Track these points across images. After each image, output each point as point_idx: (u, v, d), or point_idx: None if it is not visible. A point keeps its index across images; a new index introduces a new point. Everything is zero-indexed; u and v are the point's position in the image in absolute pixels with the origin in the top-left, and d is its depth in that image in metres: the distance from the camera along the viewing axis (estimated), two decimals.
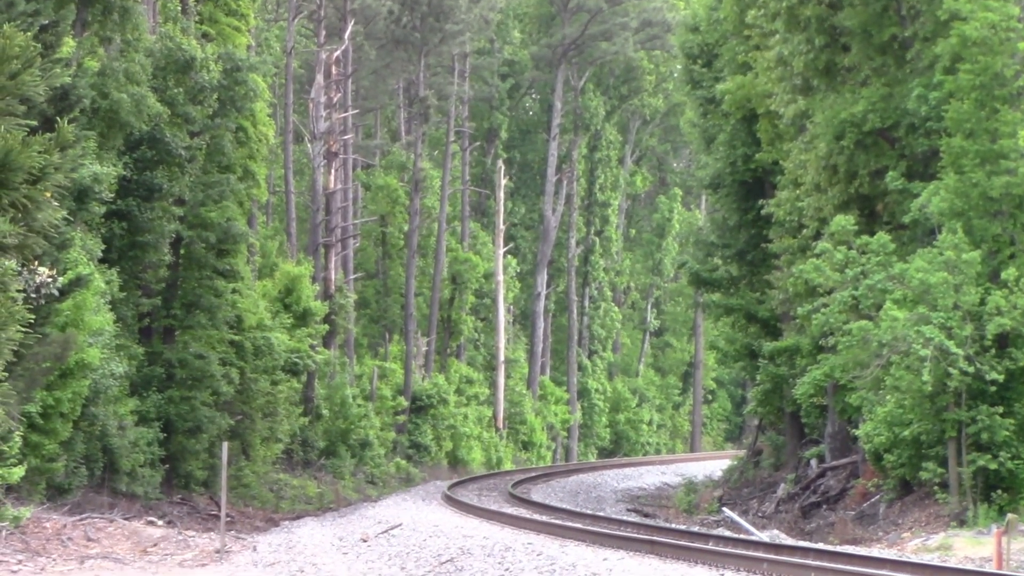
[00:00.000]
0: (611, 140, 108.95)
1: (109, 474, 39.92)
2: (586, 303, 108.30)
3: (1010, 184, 33.81)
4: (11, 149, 15.12)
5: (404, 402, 74.40)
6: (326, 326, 64.50)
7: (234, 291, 49.40)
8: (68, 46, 33.26)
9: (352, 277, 75.57)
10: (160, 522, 37.30)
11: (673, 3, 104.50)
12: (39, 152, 15.52)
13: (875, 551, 28.35)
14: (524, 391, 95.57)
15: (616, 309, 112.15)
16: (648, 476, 71.66)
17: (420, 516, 38.36)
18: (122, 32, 41.74)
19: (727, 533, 33.15)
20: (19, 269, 20.17)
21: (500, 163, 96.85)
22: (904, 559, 24.88)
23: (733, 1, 48.45)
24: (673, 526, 37.13)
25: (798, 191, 42.63)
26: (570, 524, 33.30)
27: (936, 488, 34.03)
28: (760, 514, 45.10)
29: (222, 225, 47.01)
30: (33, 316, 16.55)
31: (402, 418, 74.30)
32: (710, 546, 26.75)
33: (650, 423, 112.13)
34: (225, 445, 33.19)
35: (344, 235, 72.97)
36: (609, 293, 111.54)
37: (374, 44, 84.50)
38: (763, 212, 47.75)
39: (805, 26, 40.64)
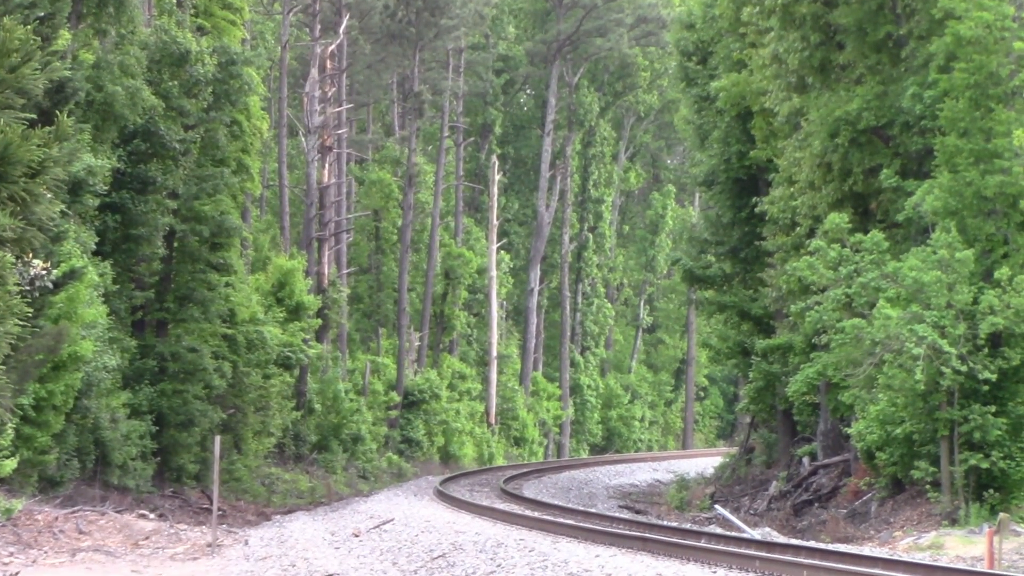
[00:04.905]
0: (605, 136, 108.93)
1: (101, 467, 39.93)
2: (579, 299, 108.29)
3: (1004, 183, 33.83)
4: (11, 143, 15.11)
5: (396, 397, 74.42)
6: (319, 320, 64.50)
7: (227, 285, 49.42)
8: (63, 38, 33.25)
9: (345, 271, 75.54)
10: (152, 515, 37.33)
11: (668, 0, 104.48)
12: (38, 146, 15.50)
13: (867, 549, 28.37)
14: (516, 387, 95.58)
15: (609, 305, 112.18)
16: (640, 473, 71.69)
17: (412, 511, 38.36)
18: (117, 25, 41.79)
19: (719, 530, 33.17)
20: (14, 262, 20.17)
21: (494, 158, 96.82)
22: (896, 558, 24.89)
23: None
24: (665, 523, 37.11)
25: (792, 189, 42.61)
26: (562, 520, 33.30)
27: (928, 487, 34.04)
28: (752, 511, 45.12)
29: (215, 219, 47.03)
30: (28, 310, 16.53)
31: (394, 413, 74.30)
32: (702, 543, 26.74)
33: (642, 420, 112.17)
34: (217, 439, 33.25)
35: (337, 229, 72.92)
36: (602, 289, 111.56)
37: (369, 38, 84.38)
38: (757, 209, 47.77)
39: (800, 24, 40.61)
